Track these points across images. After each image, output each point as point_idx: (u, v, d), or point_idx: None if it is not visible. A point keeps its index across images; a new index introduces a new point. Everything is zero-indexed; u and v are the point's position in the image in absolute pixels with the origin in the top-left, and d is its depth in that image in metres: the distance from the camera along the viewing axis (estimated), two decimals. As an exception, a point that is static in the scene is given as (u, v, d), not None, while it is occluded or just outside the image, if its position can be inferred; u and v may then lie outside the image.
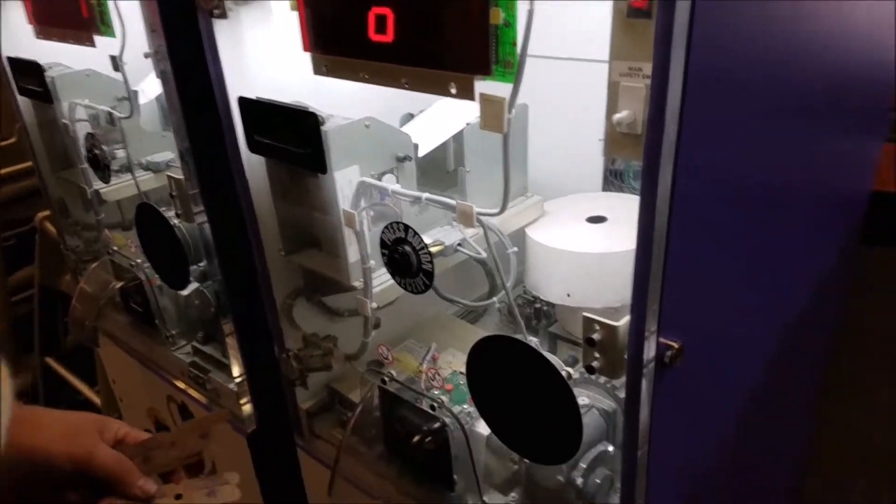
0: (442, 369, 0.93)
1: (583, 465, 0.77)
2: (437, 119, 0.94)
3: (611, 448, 0.80)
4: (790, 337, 0.85)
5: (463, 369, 0.92)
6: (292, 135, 0.81)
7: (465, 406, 0.87)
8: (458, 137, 0.92)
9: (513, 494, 0.84)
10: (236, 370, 1.11)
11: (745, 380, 0.79)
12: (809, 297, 0.87)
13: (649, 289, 0.56)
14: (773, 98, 0.64)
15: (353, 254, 0.84)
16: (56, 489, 0.67)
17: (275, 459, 1.14)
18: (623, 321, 0.61)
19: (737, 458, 0.86)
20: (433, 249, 0.75)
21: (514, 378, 0.71)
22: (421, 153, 0.89)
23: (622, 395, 0.74)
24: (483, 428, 0.85)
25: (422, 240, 0.72)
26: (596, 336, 0.62)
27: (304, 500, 1.12)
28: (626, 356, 0.60)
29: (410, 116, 0.99)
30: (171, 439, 0.76)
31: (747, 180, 0.64)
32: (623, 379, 0.61)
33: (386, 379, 0.86)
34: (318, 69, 0.78)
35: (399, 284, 0.78)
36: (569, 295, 0.89)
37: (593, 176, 1.06)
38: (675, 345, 0.60)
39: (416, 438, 0.83)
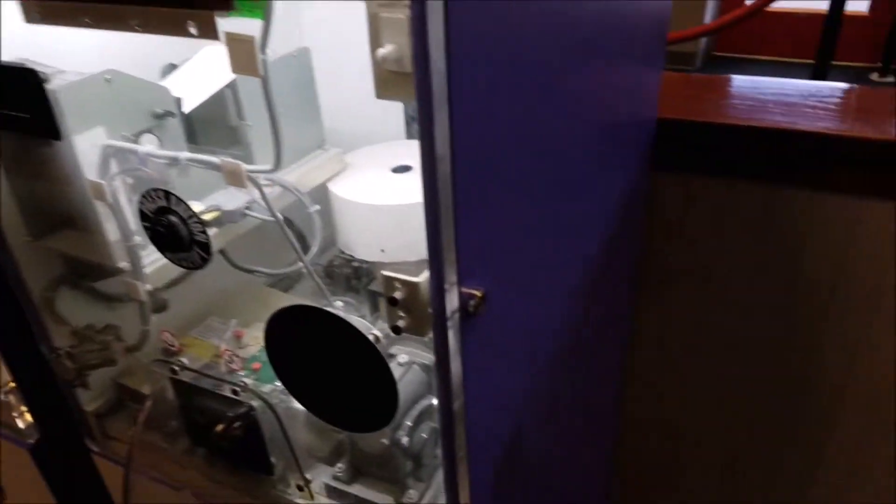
0: (250, 346, 0.84)
1: (408, 422, 0.73)
2: (204, 68, 0.81)
3: (435, 401, 0.76)
4: (595, 274, 0.86)
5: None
6: (11, 98, 0.65)
7: (277, 384, 0.79)
8: (235, 88, 0.81)
9: (339, 465, 0.79)
10: (2, 378, 0.93)
11: (554, 322, 0.78)
12: (610, 232, 0.88)
13: (442, 239, 0.50)
14: (552, 32, 0.60)
15: (112, 230, 0.71)
16: None
17: (67, 469, 0.99)
18: (423, 276, 0.56)
19: (553, 401, 0.87)
20: (207, 217, 0.64)
21: (318, 349, 0.64)
22: (187, 108, 0.77)
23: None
24: (298, 403, 0.78)
25: (188, 207, 0.62)
26: (398, 294, 0.56)
27: (112, 508, 1.00)
28: (430, 312, 0.55)
29: (173, 67, 0.85)
30: None
31: (532, 119, 0.60)
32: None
33: (176, 368, 0.75)
34: (31, 17, 0.63)
35: (172, 261, 0.67)
36: (383, 251, 0.83)
37: (396, 123, 1.00)
38: (478, 293, 0.56)
39: (221, 427, 0.74)
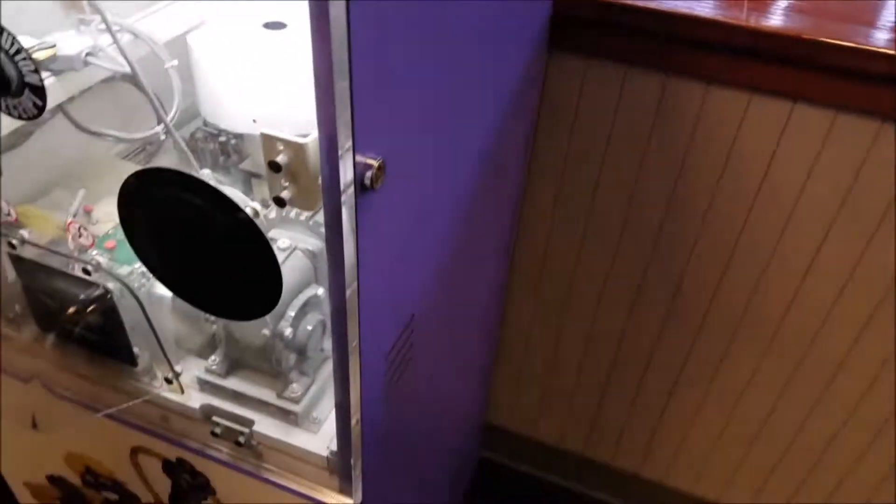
0: (102, 223, 0.73)
1: (290, 313, 0.66)
2: None
3: (321, 290, 0.69)
4: (488, 156, 0.80)
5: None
6: None
7: (137, 265, 0.69)
8: None
9: (213, 357, 0.71)
10: None
11: (449, 205, 0.72)
12: (504, 112, 0.82)
13: (336, 95, 0.42)
14: None
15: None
16: None
17: None
18: (311, 137, 0.47)
19: (445, 294, 0.83)
20: (40, 55, 0.52)
21: (185, 225, 0.54)
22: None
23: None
24: (162, 288, 0.68)
25: (16, 39, 0.49)
26: (281, 159, 0.47)
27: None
28: (319, 182, 0.47)
29: None
30: None
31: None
32: (321, 211, 0.48)
33: (14, 242, 0.63)
34: None
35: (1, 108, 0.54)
36: (254, 121, 0.73)
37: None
38: (375, 163, 0.48)
39: (73, 311, 0.64)
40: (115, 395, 0.74)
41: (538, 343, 1.32)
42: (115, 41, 0.59)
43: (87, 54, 0.62)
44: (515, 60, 0.82)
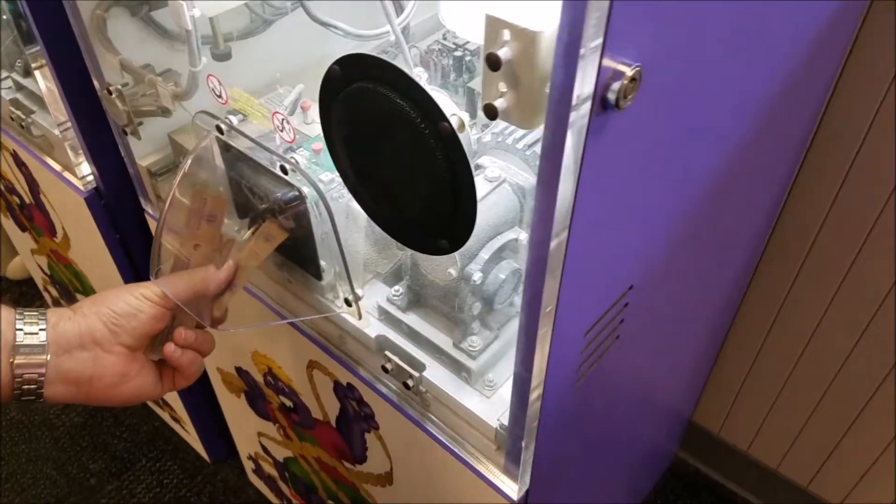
0: (316, 123, 0.68)
1: (484, 255, 0.56)
2: None
3: (523, 235, 0.59)
4: (760, 119, 0.62)
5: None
6: None
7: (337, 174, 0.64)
8: None
9: (397, 287, 0.65)
10: (59, 114, 0.84)
11: (706, 151, 0.56)
12: (805, 53, 0.62)
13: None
14: None
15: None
16: None
17: (120, 224, 0.92)
18: (548, 27, 0.35)
19: (682, 260, 0.67)
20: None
21: (382, 127, 0.46)
22: None
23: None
24: (361, 203, 0.62)
25: None
26: (504, 52, 0.36)
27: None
28: (547, 90, 0.35)
29: None
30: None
31: None
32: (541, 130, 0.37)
33: (223, 126, 0.61)
34: None
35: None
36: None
37: None
38: (629, 70, 0.35)
39: (264, 208, 0.61)
40: (299, 304, 0.71)
41: (770, 357, 1.10)
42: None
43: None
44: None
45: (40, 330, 0.52)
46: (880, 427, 1.03)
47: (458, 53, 0.73)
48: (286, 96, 0.67)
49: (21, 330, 0.51)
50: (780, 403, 1.15)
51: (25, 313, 0.53)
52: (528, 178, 0.59)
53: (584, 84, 0.34)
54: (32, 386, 0.52)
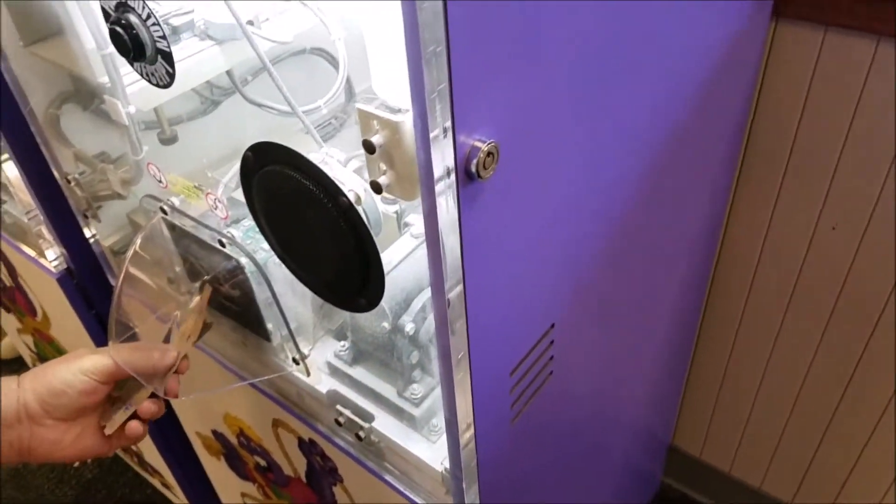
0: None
1: (416, 306, 0.60)
2: None
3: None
4: (673, 143, 0.66)
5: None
6: None
7: (277, 240, 0.68)
8: None
9: (343, 343, 0.68)
10: (25, 203, 0.89)
11: (606, 195, 0.60)
12: (702, 80, 0.66)
13: (423, 53, 0.34)
14: None
15: (88, 38, 0.59)
16: None
17: (92, 301, 0.96)
18: (407, 116, 0.40)
19: (608, 293, 0.70)
20: (176, 21, 0.51)
21: (294, 203, 0.51)
22: None
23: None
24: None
25: (146, 5, 0.48)
26: (376, 139, 0.41)
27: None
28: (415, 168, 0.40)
29: None
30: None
31: None
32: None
33: (166, 208, 0.65)
34: None
35: (139, 73, 0.54)
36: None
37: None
38: (484, 146, 0.40)
39: (208, 279, 0.65)
40: (256, 365, 0.75)
41: (737, 375, 1.13)
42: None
43: (249, 22, 0.61)
44: (715, 24, 0.66)
45: None
46: (853, 434, 1.05)
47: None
48: (228, 173, 0.72)
49: None
50: (753, 421, 1.17)
51: None
52: (452, 233, 0.63)
53: (444, 160, 0.38)
54: None
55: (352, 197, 0.46)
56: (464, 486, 0.57)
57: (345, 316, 0.68)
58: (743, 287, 1.03)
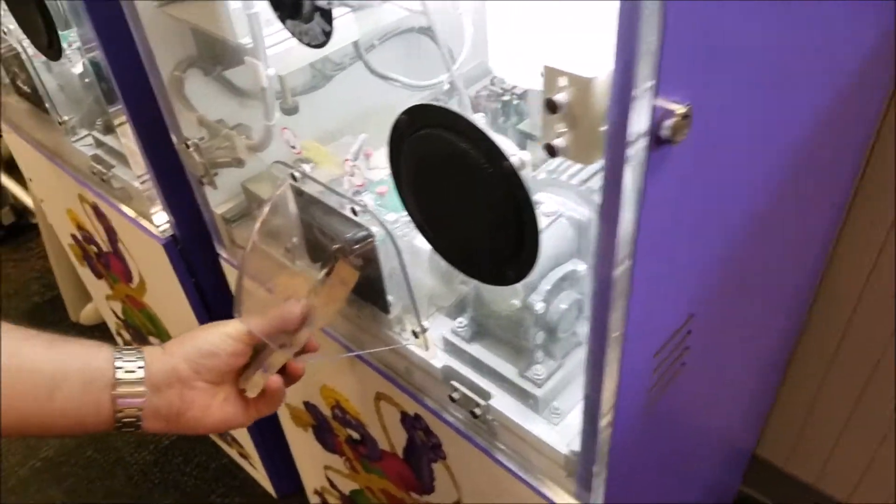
0: (378, 169, 0.72)
1: (545, 286, 0.59)
2: None
3: (582, 266, 0.61)
4: (813, 138, 0.63)
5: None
6: None
7: (403, 213, 0.67)
8: None
9: (460, 320, 0.67)
10: (139, 168, 0.90)
11: (755, 183, 0.57)
12: (844, 86, 0.63)
13: (642, 14, 0.32)
14: None
15: (235, -4, 0.59)
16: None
17: (196, 269, 0.97)
18: (602, 72, 0.38)
19: (739, 289, 0.68)
20: (334, -21, 0.50)
21: (448, 169, 0.50)
22: None
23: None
24: (422, 240, 0.65)
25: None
26: (561, 97, 0.39)
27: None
28: (602, 130, 0.38)
29: None
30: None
31: None
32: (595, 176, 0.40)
33: (297, 174, 0.65)
34: None
35: (291, 32, 0.54)
36: (542, 74, 0.66)
37: None
38: (681, 109, 0.38)
39: (337, 248, 0.65)
40: (367, 338, 0.75)
41: (834, 388, 1.08)
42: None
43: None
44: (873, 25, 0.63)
45: (138, 368, 0.56)
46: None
47: (506, 98, 0.77)
48: (352, 144, 0.72)
49: (121, 368, 0.56)
50: (847, 434, 1.12)
51: (124, 351, 0.57)
52: (584, 212, 0.61)
53: (639, 122, 0.37)
54: (132, 419, 0.56)
55: (516, 161, 0.44)
56: (594, 469, 0.56)
57: (465, 292, 0.67)
58: (850, 298, 0.98)
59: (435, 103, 0.47)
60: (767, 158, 0.57)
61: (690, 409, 0.74)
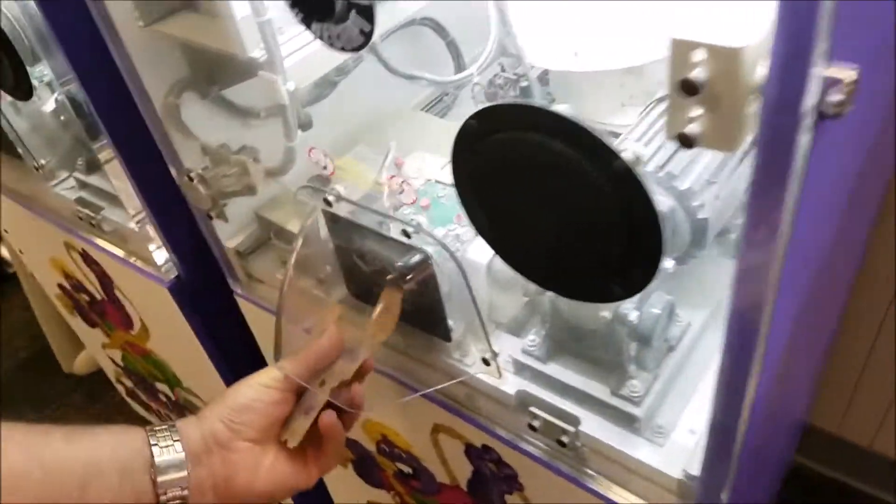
0: (412, 179, 0.64)
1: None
2: None
3: (669, 263, 0.54)
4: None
5: (440, 177, 0.63)
6: None
7: (451, 226, 0.60)
8: None
9: (532, 337, 0.60)
10: (133, 206, 0.81)
11: (860, 162, 0.51)
12: None
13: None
14: None
15: (239, 4, 0.50)
16: None
17: (209, 310, 0.88)
18: (751, 41, 0.31)
19: (827, 269, 0.61)
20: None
21: (534, 175, 0.42)
22: None
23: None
24: (476, 253, 0.58)
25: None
26: (698, 75, 0.32)
27: (258, 357, 0.89)
28: (750, 108, 0.31)
29: None
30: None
31: None
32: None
33: (330, 199, 0.57)
34: None
35: (319, 36, 0.46)
36: (576, 54, 0.59)
37: None
38: (850, 76, 0.31)
39: (392, 278, 0.57)
40: (422, 369, 0.67)
41: (886, 347, 1.03)
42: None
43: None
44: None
45: (176, 444, 0.50)
46: None
47: (524, 84, 0.69)
48: (376, 158, 0.64)
49: (156, 447, 0.49)
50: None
51: (157, 431, 0.50)
52: (666, 202, 0.54)
53: (810, 95, 0.30)
54: (178, 500, 0.49)
55: (629, 158, 0.37)
56: (722, 497, 0.49)
57: (535, 306, 0.60)
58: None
59: (513, 102, 0.40)
60: (868, 133, 0.50)
61: (782, 399, 0.68)
